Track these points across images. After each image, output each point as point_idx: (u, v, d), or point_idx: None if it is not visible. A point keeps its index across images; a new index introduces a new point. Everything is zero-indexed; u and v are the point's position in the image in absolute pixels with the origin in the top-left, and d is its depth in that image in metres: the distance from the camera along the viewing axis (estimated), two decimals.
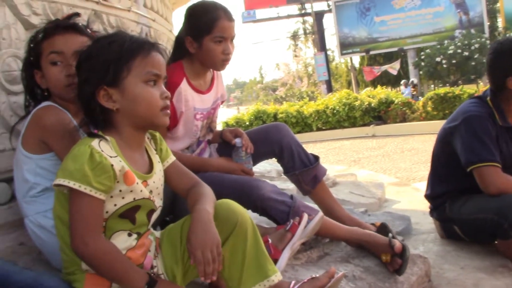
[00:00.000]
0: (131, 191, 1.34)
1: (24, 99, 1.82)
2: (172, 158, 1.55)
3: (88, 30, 1.81)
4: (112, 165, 1.27)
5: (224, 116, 13.40)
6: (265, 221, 2.19)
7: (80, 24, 1.80)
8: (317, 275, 1.66)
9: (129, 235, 1.37)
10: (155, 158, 1.48)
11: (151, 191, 1.40)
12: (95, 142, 1.28)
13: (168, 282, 1.43)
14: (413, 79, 17.17)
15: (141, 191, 1.36)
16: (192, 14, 2.18)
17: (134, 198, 1.35)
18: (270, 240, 1.85)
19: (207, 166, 2.21)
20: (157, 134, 1.54)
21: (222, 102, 2.47)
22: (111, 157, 1.28)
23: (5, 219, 1.93)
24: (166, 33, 3.72)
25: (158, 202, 1.45)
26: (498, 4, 21.25)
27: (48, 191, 1.67)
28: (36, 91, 1.79)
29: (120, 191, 1.32)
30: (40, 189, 1.67)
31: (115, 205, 1.32)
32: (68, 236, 1.29)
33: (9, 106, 1.97)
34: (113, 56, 1.33)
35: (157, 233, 1.54)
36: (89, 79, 1.34)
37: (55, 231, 1.59)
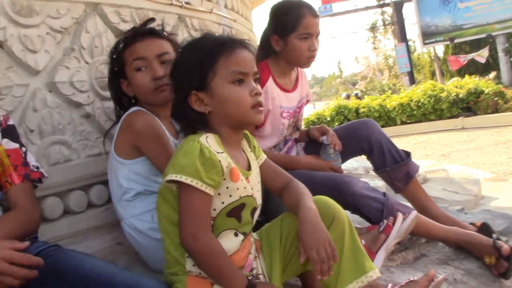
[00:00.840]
0: (237, 188, 1.34)
1: (114, 108, 1.89)
2: (264, 156, 1.54)
3: (165, 33, 1.85)
4: (219, 161, 1.28)
5: (305, 113, 13.31)
6: (356, 221, 2.13)
7: (156, 28, 1.86)
8: (415, 278, 1.59)
9: (236, 235, 1.38)
10: (251, 156, 1.48)
11: (252, 188, 1.40)
12: (203, 138, 1.30)
13: (267, 284, 1.42)
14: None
15: (245, 188, 1.36)
16: (277, 12, 2.19)
17: (240, 196, 1.35)
18: (363, 241, 1.78)
19: (295, 164, 2.19)
20: (248, 132, 1.54)
21: (308, 101, 2.45)
22: (218, 153, 1.29)
23: (103, 220, 2.01)
24: (247, 33, 3.74)
25: (259, 200, 1.45)
26: None
27: (141, 195, 1.72)
28: (123, 101, 1.85)
29: (227, 188, 1.32)
30: (134, 194, 1.72)
31: (222, 203, 1.33)
32: (176, 235, 1.31)
33: (103, 111, 2.05)
34: (196, 61, 1.35)
35: (254, 234, 1.53)
36: (179, 86, 1.38)
37: (150, 234, 1.65)
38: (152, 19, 1.89)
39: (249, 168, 1.44)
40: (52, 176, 1.77)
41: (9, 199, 1.50)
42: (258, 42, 2.84)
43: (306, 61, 2.18)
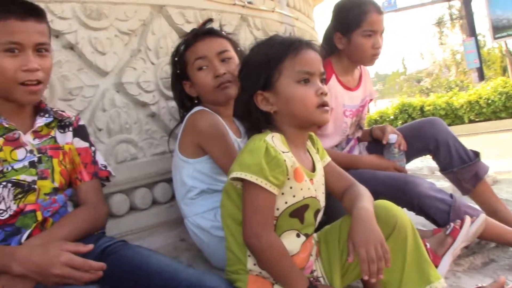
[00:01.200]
0: (301, 189, 1.34)
1: (178, 108, 1.94)
2: (328, 158, 1.53)
3: (223, 32, 1.88)
4: (284, 160, 1.29)
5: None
6: (420, 223, 2.07)
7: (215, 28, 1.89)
8: (484, 285, 1.53)
9: (298, 235, 1.37)
10: (316, 157, 1.48)
11: (315, 190, 1.39)
12: (268, 137, 1.32)
13: (327, 287, 1.41)
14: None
15: (308, 189, 1.36)
16: (341, 9, 2.17)
17: (303, 197, 1.35)
18: (428, 245, 1.73)
19: (358, 163, 2.16)
20: (313, 134, 1.53)
21: (371, 100, 2.41)
22: (283, 152, 1.30)
23: (167, 217, 2.06)
24: (308, 31, 3.71)
25: (322, 202, 1.44)
26: None
27: (204, 193, 1.74)
28: (186, 103, 1.88)
29: (291, 188, 1.33)
30: (197, 192, 1.75)
31: (285, 202, 1.33)
32: (239, 233, 1.33)
33: (168, 110, 2.10)
34: (262, 62, 1.37)
35: (315, 235, 1.52)
36: (245, 86, 1.41)
37: (213, 232, 1.67)
38: (211, 20, 1.93)
39: (313, 169, 1.43)
40: (119, 173, 1.84)
41: (78, 196, 1.58)
42: (320, 41, 2.80)
43: (370, 58, 2.15)
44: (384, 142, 2.18)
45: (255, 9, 2.70)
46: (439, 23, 31.84)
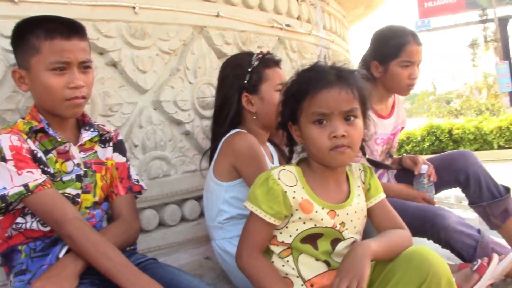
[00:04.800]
0: (311, 219, 1.36)
1: (212, 126, 1.89)
2: (380, 198, 1.49)
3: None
4: (285, 192, 1.34)
5: None
6: (445, 256, 2.05)
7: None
8: None
9: (317, 260, 1.39)
10: (357, 191, 1.45)
11: (342, 222, 1.39)
12: (275, 171, 1.38)
13: None
14: None
15: (322, 219, 1.36)
16: (380, 37, 2.18)
17: (315, 225, 1.37)
18: (454, 279, 1.72)
19: (387, 191, 2.10)
20: (369, 170, 1.51)
21: (402, 128, 2.40)
22: (287, 185, 1.35)
23: (194, 234, 2.10)
24: (343, 53, 3.73)
25: (350, 234, 1.40)
26: None
27: (234, 219, 1.75)
28: (236, 117, 1.82)
29: (300, 218, 1.36)
30: (227, 216, 1.75)
31: (297, 229, 1.37)
32: None
33: (201, 129, 2.14)
34: (290, 96, 1.41)
35: None
36: (280, 113, 1.45)
37: None
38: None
39: (343, 201, 1.42)
40: (151, 189, 1.88)
41: (113, 209, 1.62)
42: (352, 62, 2.81)
43: (405, 88, 2.16)
44: (416, 172, 2.17)
45: (293, 32, 2.73)
46: (473, 44, 31.41)
